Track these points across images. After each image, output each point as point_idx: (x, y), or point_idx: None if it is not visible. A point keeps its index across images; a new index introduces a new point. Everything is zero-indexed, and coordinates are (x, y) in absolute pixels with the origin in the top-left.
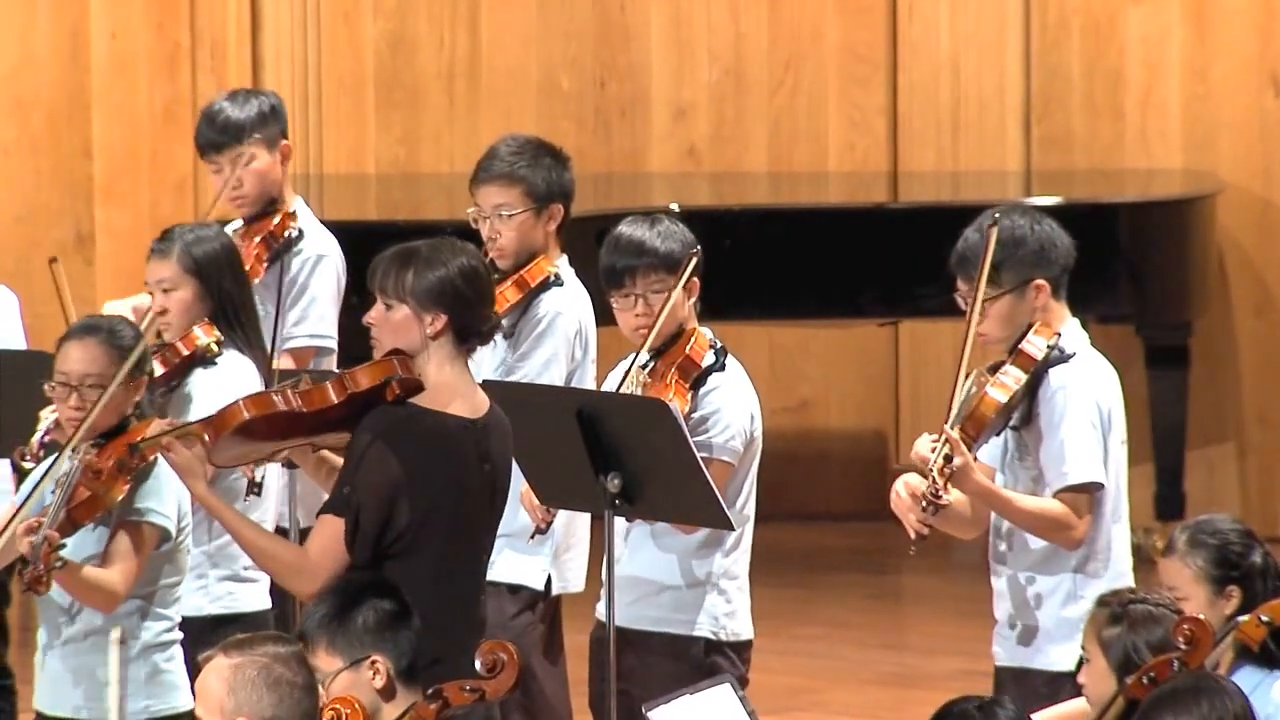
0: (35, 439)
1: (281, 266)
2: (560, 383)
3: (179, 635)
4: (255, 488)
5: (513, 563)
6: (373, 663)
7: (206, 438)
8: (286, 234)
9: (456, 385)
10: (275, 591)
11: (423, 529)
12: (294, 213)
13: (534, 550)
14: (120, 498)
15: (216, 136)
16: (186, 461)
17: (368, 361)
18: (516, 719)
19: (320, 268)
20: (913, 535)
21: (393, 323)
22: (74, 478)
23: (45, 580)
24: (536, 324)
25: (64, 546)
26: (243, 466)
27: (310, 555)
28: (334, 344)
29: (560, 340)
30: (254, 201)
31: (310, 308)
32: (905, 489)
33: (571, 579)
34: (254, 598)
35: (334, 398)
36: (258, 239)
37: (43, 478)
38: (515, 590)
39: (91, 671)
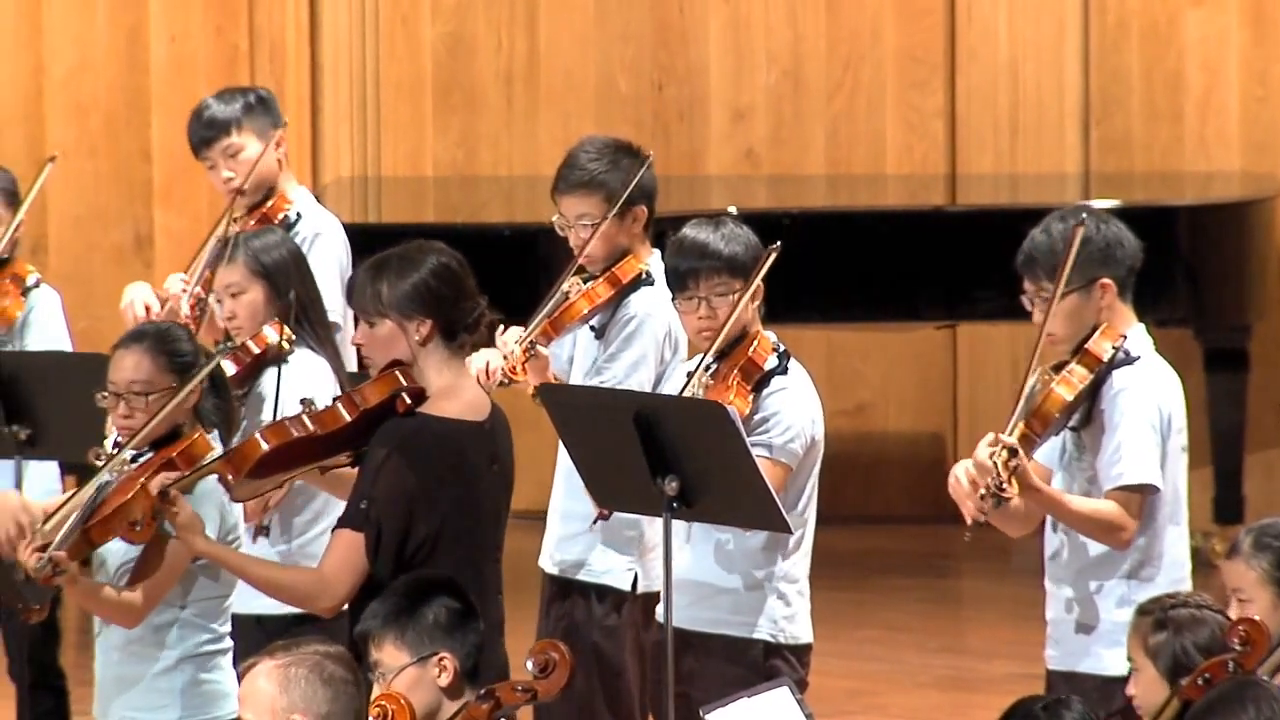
0: (108, 440)
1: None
2: (649, 385)
3: (225, 646)
4: (264, 530)
5: (600, 563)
6: (440, 659)
7: (230, 476)
8: (282, 216)
9: (457, 386)
10: None
11: (441, 537)
12: (291, 198)
13: (621, 549)
14: (141, 516)
15: (204, 132)
16: (188, 519)
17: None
18: (606, 717)
19: (316, 245)
20: (969, 521)
21: (380, 338)
22: (102, 494)
23: (41, 608)
24: (626, 324)
25: (64, 572)
26: (250, 513)
27: (326, 573)
28: (340, 318)
29: (649, 342)
30: (248, 191)
31: None
32: (965, 474)
33: (657, 577)
34: None
35: (346, 416)
36: (254, 223)
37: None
38: (603, 592)
39: (134, 680)
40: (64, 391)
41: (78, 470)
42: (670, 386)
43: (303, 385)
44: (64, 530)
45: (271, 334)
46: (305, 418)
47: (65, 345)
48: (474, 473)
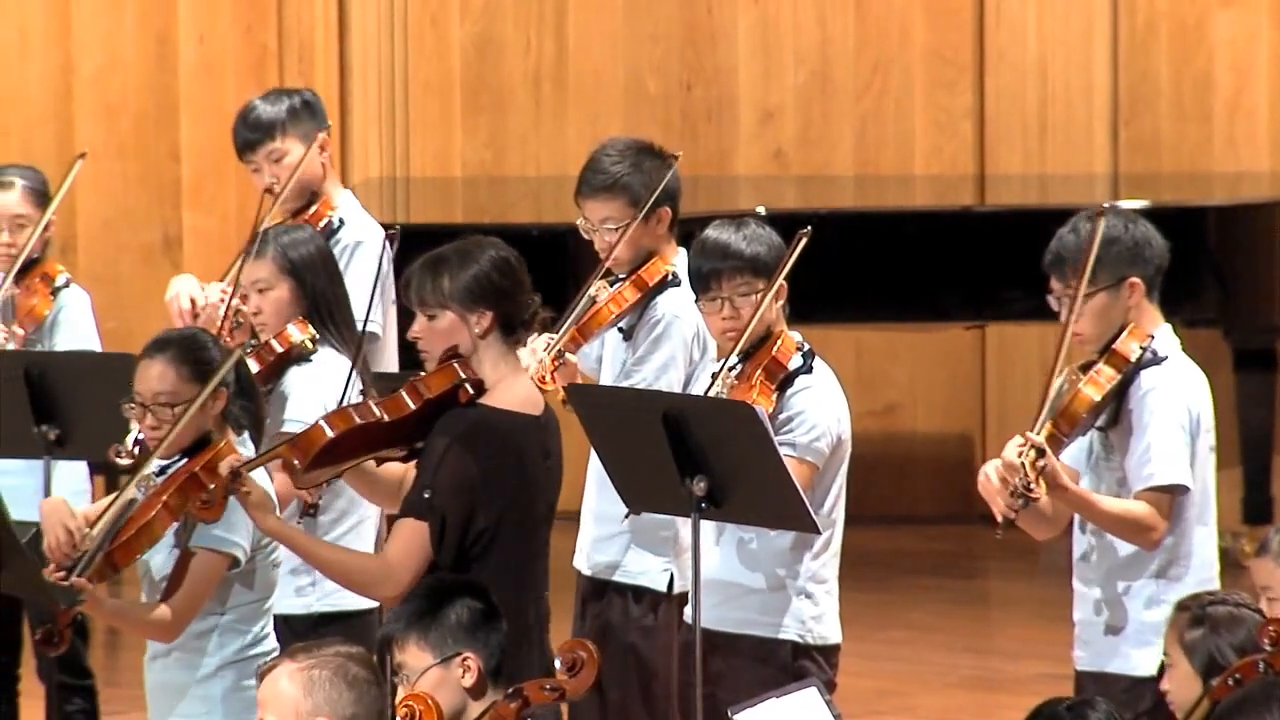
0: (130, 438)
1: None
2: (678, 386)
3: (265, 649)
4: (312, 509)
5: (636, 564)
6: (464, 660)
7: (296, 462)
8: (324, 223)
9: (513, 380)
10: None
11: (500, 528)
12: (335, 204)
13: (656, 550)
14: (164, 534)
15: (249, 135)
16: (260, 498)
17: (434, 369)
18: (643, 717)
19: (357, 255)
20: (999, 519)
21: (439, 331)
22: (128, 514)
23: (59, 640)
24: (654, 327)
25: (83, 600)
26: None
27: (390, 560)
28: (379, 329)
29: (677, 344)
30: (292, 196)
31: (349, 295)
32: (995, 472)
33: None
34: (359, 597)
35: (411, 405)
36: None
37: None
38: (640, 592)
39: (178, 688)
40: (92, 392)
41: (106, 470)
42: (699, 387)
43: (324, 385)
44: (87, 553)
45: (295, 332)
46: (371, 404)
47: (95, 345)
48: (531, 466)
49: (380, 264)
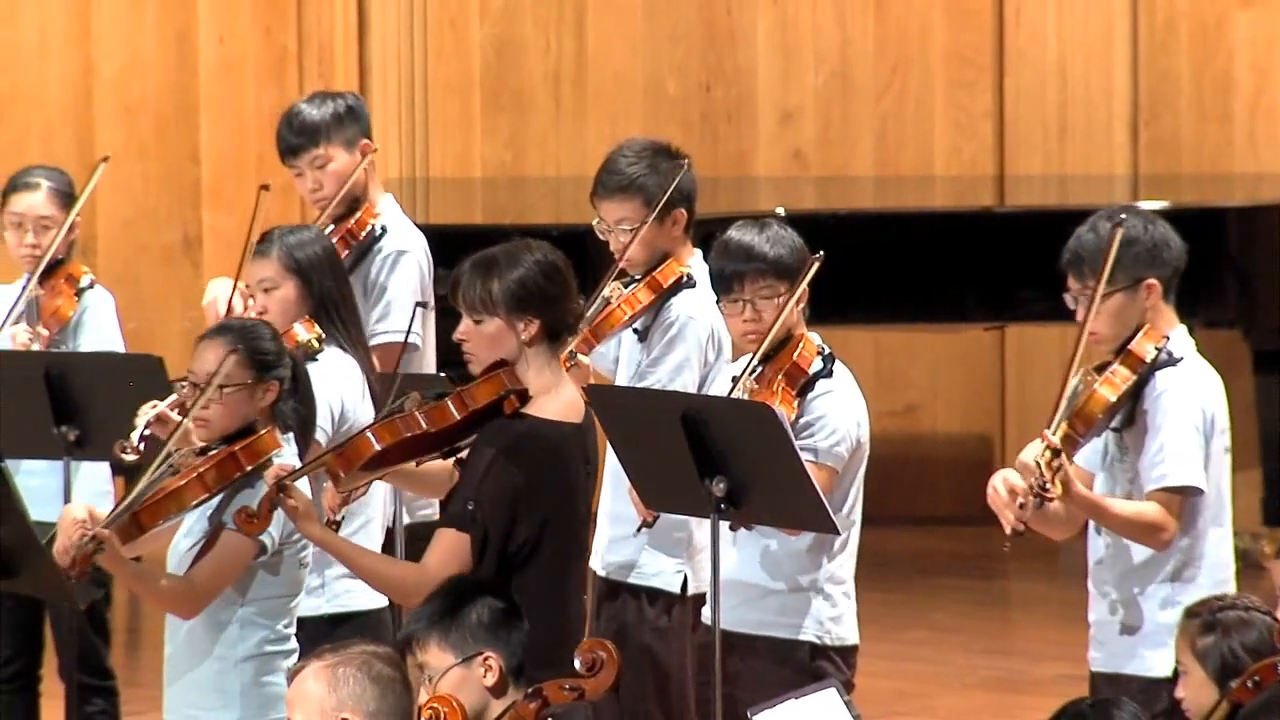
0: (135, 433)
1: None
2: (693, 387)
3: (289, 648)
4: (335, 526)
5: (650, 565)
6: (485, 659)
7: (342, 473)
8: (366, 231)
9: (556, 387)
10: None
11: (542, 538)
12: (378, 211)
13: (670, 551)
14: (193, 504)
15: (294, 140)
16: (305, 508)
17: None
18: (657, 717)
19: (401, 263)
20: (1008, 531)
21: (486, 335)
22: (163, 476)
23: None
24: (668, 328)
25: (101, 550)
26: (325, 507)
27: (430, 570)
28: (418, 340)
29: (692, 345)
30: (337, 202)
31: (392, 304)
32: (1004, 485)
33: (706, 579)
34: (369, 596)
35: (456, 415)
36: (338, 238)
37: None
38: (654, 594)
39: (197, 678)
40: (112, 392)
41: (127, 472)
42: (716, 389)
43: (330, 385)
44: (110, 514)
45: (302, 332)
46: (418, 415)
47: (118, 347)
48: (574, 474)
49: (422, 273)
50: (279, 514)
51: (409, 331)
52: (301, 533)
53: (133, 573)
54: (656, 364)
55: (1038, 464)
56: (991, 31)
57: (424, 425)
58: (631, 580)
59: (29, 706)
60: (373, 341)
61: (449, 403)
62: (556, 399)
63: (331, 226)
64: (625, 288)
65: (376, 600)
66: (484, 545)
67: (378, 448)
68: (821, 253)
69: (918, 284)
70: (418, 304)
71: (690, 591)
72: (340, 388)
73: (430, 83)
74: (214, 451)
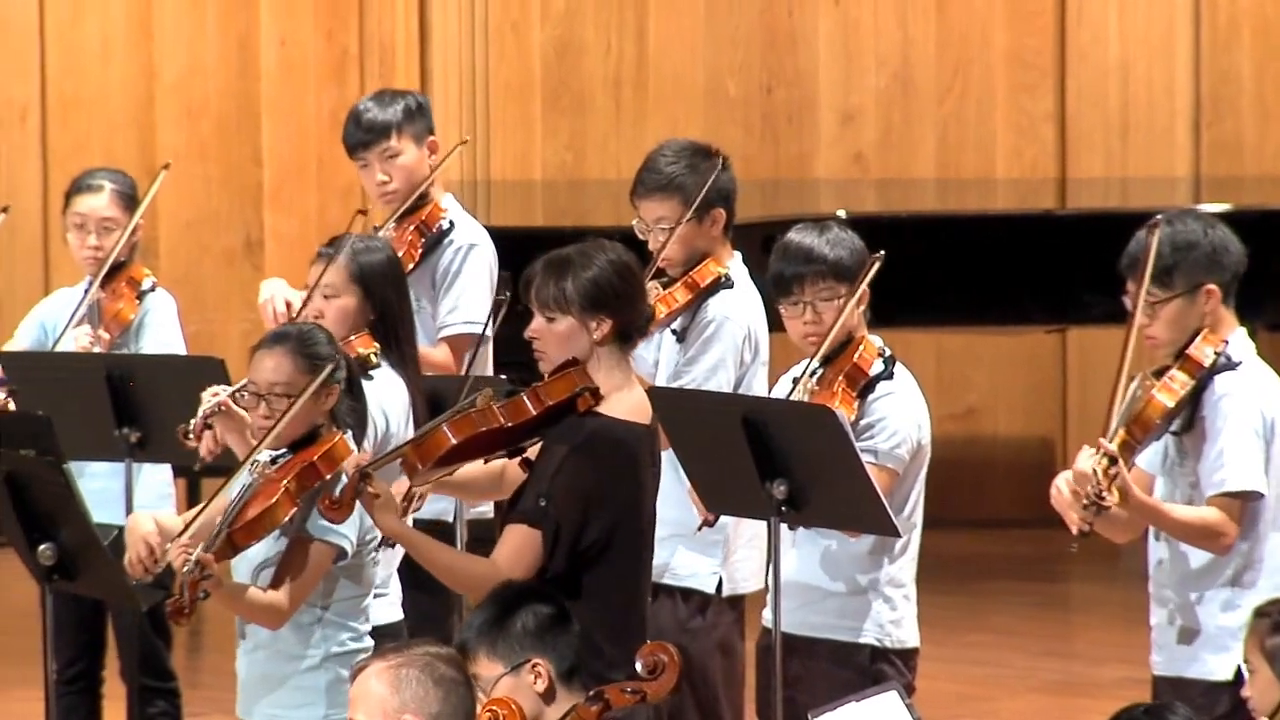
0: (196, 419)
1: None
2: (728, 387)
3: (367, 645)
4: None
5: (685, 565)
6: (534, 666)
7: (419, 465)
8: (438, 225)
9: (627, 388)
10: (439, 603)
11: (613, 537)
12: (444, 207)
13: (706, 552)
14: (286, 519)
15: (363, 135)
16: (386, 500)
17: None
18: (693, 718)
19: (472, 255)
20: (1074, 531)
21: (558, 334)
22: (245, 498)
23: (188, 610)
24: (704, 328)
25: (210, 576)
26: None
27: (500, 565)
28: (490, 331)
29: (728, 345)
30: (403, 196)
31: (464, 295)
32: (1068, 486)
33: (741, 580)
34: (385, 610)
35: (532, 411)
36: (411, 229)
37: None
38: (688, 594)
39: (279, 679)
40: (173, 395)
41: (189, 474)
42: (755, 388)
43: (377, 404)
44: (205, 531)
45: (360, 347)
46: (495, 409)
47: (180, 349)
48: (643, 475)
49: (491, 268)
50: (360, 516)
51: (487, 324)
52: (379, 525)
53: (227, 592)
54: (692, 364)
55: (1094, 472)
56: (1053, 33)
57: (501, 419)
58: (666, 581)
59: (91, 708)
60: (444, 332)
61: (525, 398)
62: (627, 399)
63: (392, 225)
64: (663, 288)
65: (393, 614)
66: (555, 541)
67: (454, 441)
68: (881, 252)
69: (979, 287)
70: (497, 299)
71: (725, 593)
72: (386, 407)
73: (491, 85)
74: (287, 460)
